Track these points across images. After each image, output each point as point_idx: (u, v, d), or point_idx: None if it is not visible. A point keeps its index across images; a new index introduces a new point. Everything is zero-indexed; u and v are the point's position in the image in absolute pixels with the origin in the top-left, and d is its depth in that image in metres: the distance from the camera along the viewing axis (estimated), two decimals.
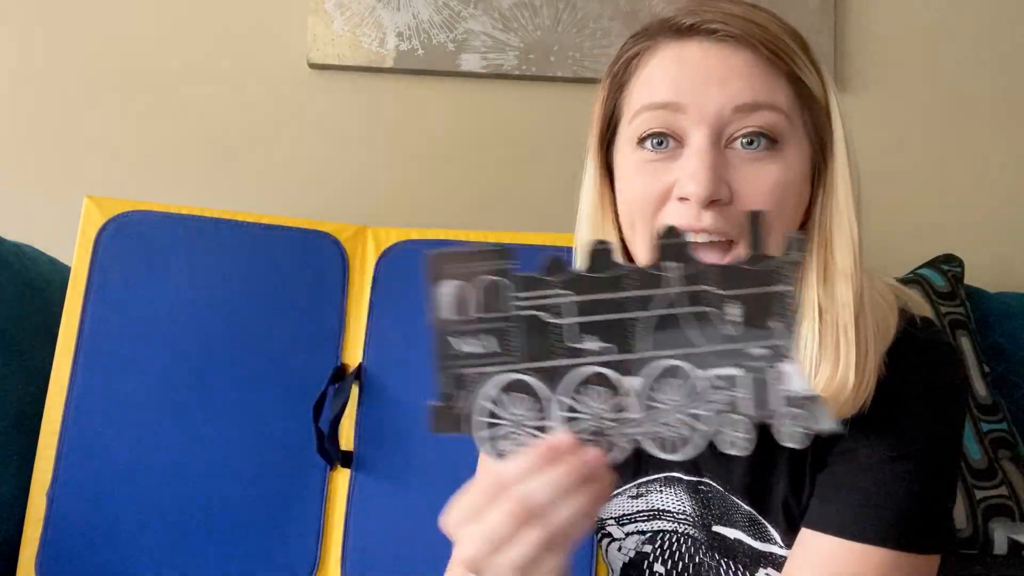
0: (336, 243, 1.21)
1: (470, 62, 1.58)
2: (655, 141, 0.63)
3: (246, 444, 1.11)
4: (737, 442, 0.49)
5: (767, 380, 0.49)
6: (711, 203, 0.60)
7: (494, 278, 0.50)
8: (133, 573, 1.05)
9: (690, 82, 0.61)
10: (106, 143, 1.52)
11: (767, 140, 0.61)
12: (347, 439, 1.14)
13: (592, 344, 0.50)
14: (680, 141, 0.62)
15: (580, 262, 0.49)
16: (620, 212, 0.67)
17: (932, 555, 0.63)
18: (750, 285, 0.49)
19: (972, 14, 1.73)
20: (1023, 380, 1.48)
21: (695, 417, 0.49)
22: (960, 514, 1.31)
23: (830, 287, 0.62)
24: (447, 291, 0.50)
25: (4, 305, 1.10)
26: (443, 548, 1.10)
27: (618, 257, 0.50)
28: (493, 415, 0.50)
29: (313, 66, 1.56)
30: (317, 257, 1.21)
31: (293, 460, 1.12)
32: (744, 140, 0.61)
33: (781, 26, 0.63)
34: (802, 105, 0.63)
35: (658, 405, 0.50)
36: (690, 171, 0.60)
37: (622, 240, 0.68)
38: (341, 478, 1.13)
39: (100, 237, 1.15)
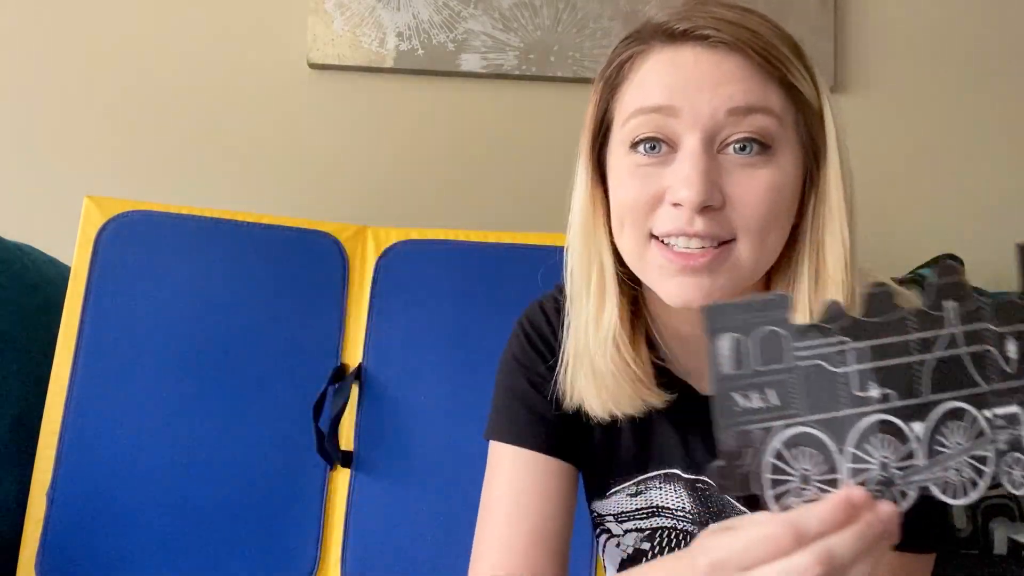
0: (336, 243, 1.21)
1: (470, 62, 1.58)
2: (648, 145, 0.63)
3: (246, 444, 1.11)
4: (1022, 481, 0.48)
5: None
6: (703, 209, 0.60)
7: (773, 328, 0.48)
8: (133, 573, 1.05)
9: (683, 86, 0.61)
10: (106, 143, 1.52)
11: (760, 145, 0.61)
12: (347, 439, 1.14)
13: (875, 391, 0.48)
14: (673, 146, 0.62)
15: (859, 308, 0.48)
16: (612, 214, 0.67)
17: (927, 554, 0.63)
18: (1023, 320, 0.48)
19: (972, 14, 1.73)
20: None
21: (980, 459, 0.48)
22: (960, 514, 1.31)
23: (821, 292, 0.62)
24: (726, 344, 0.48)
25: (4, 305, 1.10)
26: (443, 548, 1.11)
27: (900, 300, 0.49)
28: (778, 471, 0.48)
29: (313, 66, 1.56)
30: (317, 257, 1.21)
31: (293, 460, 1.12)
32: (737, 145, 0.61)
33: (774, 31, 0.63)
34: (795, 110, 0.63)
35: (943, 449, 0.48)
36: (683, 176, 0.60)
37: (612, 243, 0.68)
38: (341, 478, 1.13)
39: (100, 237, 1.15)
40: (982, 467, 0.48)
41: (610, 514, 0.77)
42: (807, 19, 1.63)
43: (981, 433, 0.48)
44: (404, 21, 1.57)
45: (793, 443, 0.48)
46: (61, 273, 1.20)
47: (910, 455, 0.48)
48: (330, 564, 1.09)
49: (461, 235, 1.23)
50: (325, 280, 1.20)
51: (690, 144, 0.61)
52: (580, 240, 0.70)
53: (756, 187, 0.61)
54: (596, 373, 0.68)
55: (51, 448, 1.07)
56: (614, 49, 0.67)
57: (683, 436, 0.72)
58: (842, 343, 0.48)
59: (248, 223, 1.20)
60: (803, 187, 0.65)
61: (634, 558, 0.76)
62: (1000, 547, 1.29)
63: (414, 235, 1.23)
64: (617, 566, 0.79)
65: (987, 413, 0.48)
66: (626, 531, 0.77)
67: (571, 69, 1.59)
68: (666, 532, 0.75)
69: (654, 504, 0.75)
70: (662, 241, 0.63)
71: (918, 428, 0.48)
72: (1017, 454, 0.48)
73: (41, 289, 1.17)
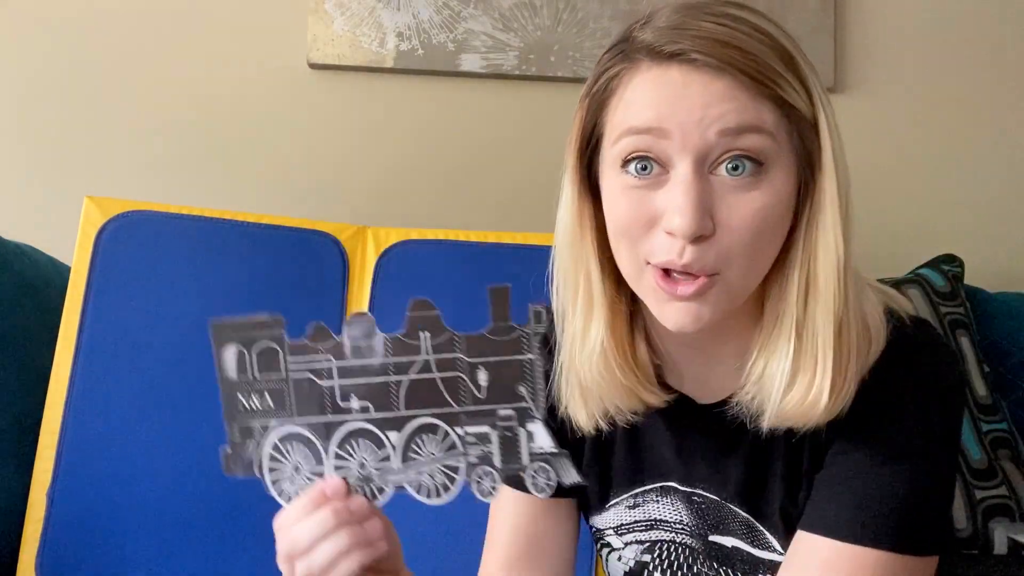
0: (336, 243, 1.21)
1: (470, 62, 1.58)
2: (639, 166, 0.61)
3: None
4: (490, 491, 0.58)
5: (515, 438, 0.57)
6: (696, 238, 0.59)
7: (270, 343, 0.58)
8: (133, 573, 1.05)
9: (672, 108, 0.60)
10: (106, 143, 1.52)
11: (753, 164, 0.60)
12: None
13: (355, 403, 0.59)
14: (664, 166, 0.61)
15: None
16: (608, 230, 0.65)
17: (929, 557, 0.63)
18: (496, 353, 0.57)
19: (971, 14, 1.73)
20: (1023, 380, 1.48)
21: (451, 468, 0.58)
22: (960, 514, 1.31)
23: (811, 306, 0.61)
24: (230, 354, 0.59)
25: (4, 305, 1.10)
26: (443, 548, 1.11)
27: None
28: (276, 461, 0.59)
29: (313, 66, 1.56)
30: (317, 257, 1.21)
31: None
32: (729, 165, 0.59)
33: (766, 42, 0.60)
34: (788, 122, 0.61)
35: (416, 457, 0.58)
36: (676, 205, 0.59)
37: (603, 258, 0.67)
38: None
39: (100, 237, 1.15)
40: (454, 475, 0.58)
41: (610, 527, 0.77)
42: (807, 19, 1.63)
43: (453, 446, 0.58)
44: (404, 21, 1.57)
45: (288, 440, 0.59)
46: (61, 273, 1.20)
47: (388, 459, 0.59)
48: None
49: (461, 235, 1.24)
50: (325, 280, 1.20)
51: (682, 170, 0.59)
52: (567, 255, 0.68)
53: (747, 213, 0.59)
54: (582, 387, 0.68)
55: (51, 448, 1.07)
56: (599, 62, 0.66)
57: (678, 447, 0.72)
58: (325, 361, 0.59)
59: (248, 223, 1.20)
60: (798, 194, 0.64)
61: (636, 570, 0.76)
62: (1000, 547, 1.29)
63: (414, 235, 1.23)
64: None
65: (459, 431, 0.58)
66: (626, 544, 0.76)
67: (571, 69, 1.59)
68: (666, 545, 0.74)
69: (652, 517, 0.75)
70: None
71: (394, 437, 0.58)
72: (486, 467, 0.58)
73: (41, 289, 1.17)
